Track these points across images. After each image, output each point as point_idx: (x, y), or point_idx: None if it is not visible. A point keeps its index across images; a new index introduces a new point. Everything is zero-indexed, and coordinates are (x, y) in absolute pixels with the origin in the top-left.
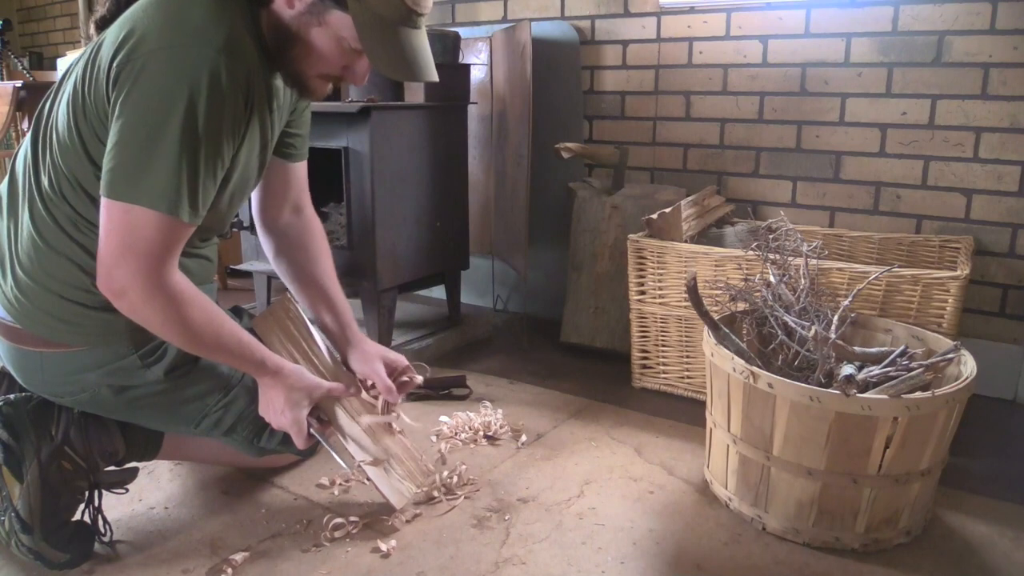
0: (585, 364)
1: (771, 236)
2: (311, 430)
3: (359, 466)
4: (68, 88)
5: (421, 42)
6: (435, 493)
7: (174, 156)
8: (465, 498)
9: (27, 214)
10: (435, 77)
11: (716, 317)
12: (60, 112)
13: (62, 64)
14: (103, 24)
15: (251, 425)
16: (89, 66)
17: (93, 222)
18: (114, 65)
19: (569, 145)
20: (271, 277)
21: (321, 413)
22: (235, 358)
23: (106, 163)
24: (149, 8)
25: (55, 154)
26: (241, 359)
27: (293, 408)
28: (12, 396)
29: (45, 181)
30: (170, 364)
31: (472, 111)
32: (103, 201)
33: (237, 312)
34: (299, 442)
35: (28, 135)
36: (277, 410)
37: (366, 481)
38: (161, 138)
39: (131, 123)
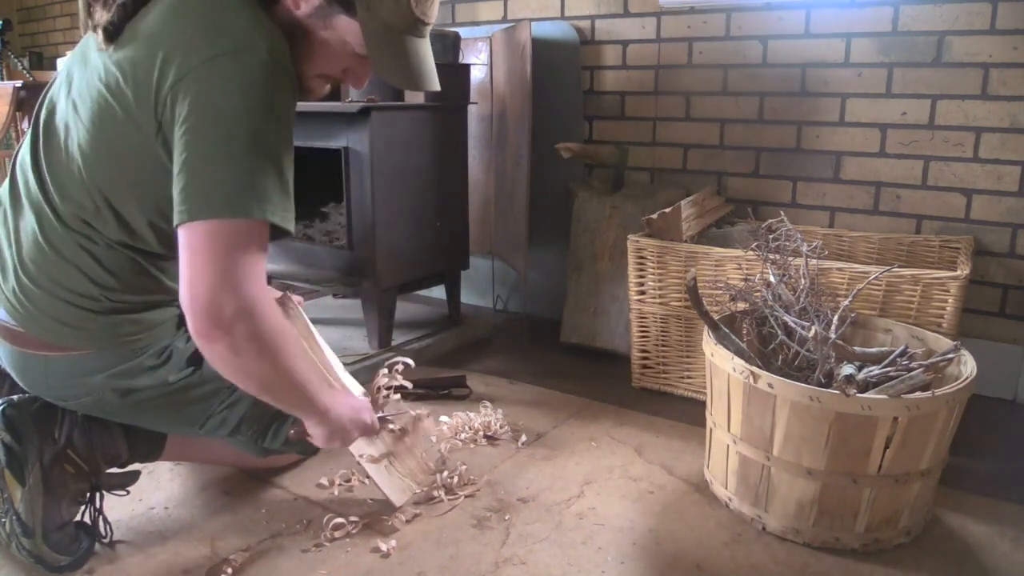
0: (585, 364)
1: (771, 236)
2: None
3: (358, 463)
4: (87, 108)
5: (425, 51)
6: (435, 493)
7: (262, 161)
8: (465, 498)
9: (33, 219)
10: (437, 86)
11: (716, 317)
12: (80, 127)
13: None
14: (113, 32)
15: (255, 425)
16: (122, 84)
17: (104, 234)
18: (164, 88)
19: (569, 145)
20: (270, 276)
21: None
22: (308, 403)
23: (180, 184)
24: (174, 23)
25: (87, 173)
26: (314, 401)
27: (339, 440)
28: (15, 398)
29: (54, 190)
30: (176, 366)
31: (472, 111)
32: (186, 229)
33: None
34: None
35: (27, 139)
36: (324, 441)
37: (366, 480)
38: (241, 144)
39: (202, 135)
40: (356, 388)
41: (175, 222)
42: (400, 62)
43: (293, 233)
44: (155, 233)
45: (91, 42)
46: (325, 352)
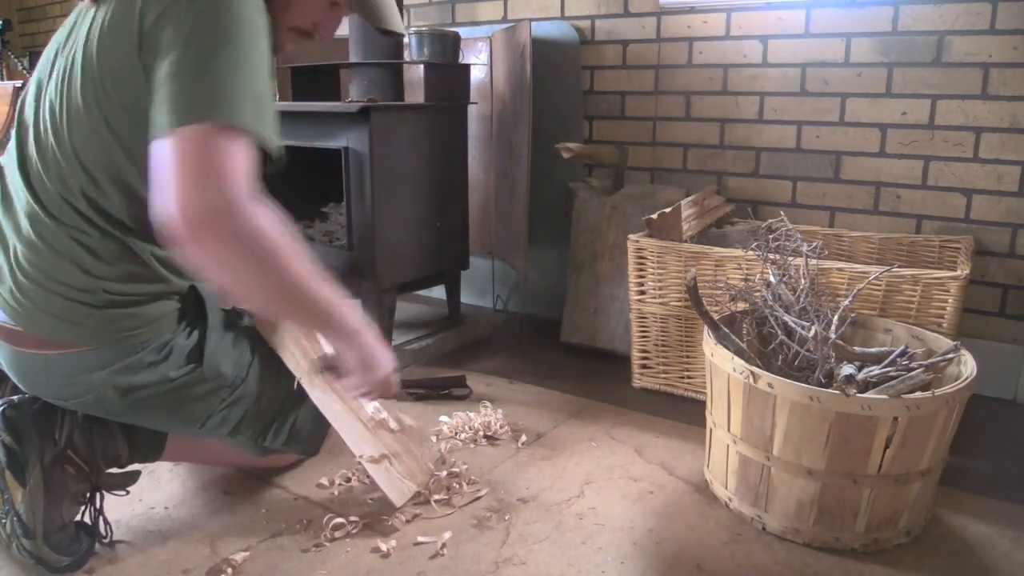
0: (585, 364)
1: (771, 236)
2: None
3: (359, 462)
4: (65, 76)
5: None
6: (435, 495)
7: (246, 73)
8: (467, 504)
9: (24, 217)
10: (403, 29)
11: (716, 317)
12: (66, 101)
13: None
14: None
15: (256, 424)
16: (102, 41)
17: (96, 223)
18: (146, 28)
19: (569, 145)
20: None
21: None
22: (327, 304)
23: (160, 96)
24: None
25: (63, 146)
26: (333, 302)
27: (386, 352)
28: (15, 399)
29: (42, 181)
30: (176, 363)
31: (472, 111)
32: (162, 139)
33: (238, 313)
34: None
35: (12, 140)
36: (383, 356)
37: (366, 480)
38: (233, 56)
39: (194, 53)
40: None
41: (149, 139)
42: (377, 4)
43: (275, 151)
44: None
45: (74, 16)
46: (326, 350)
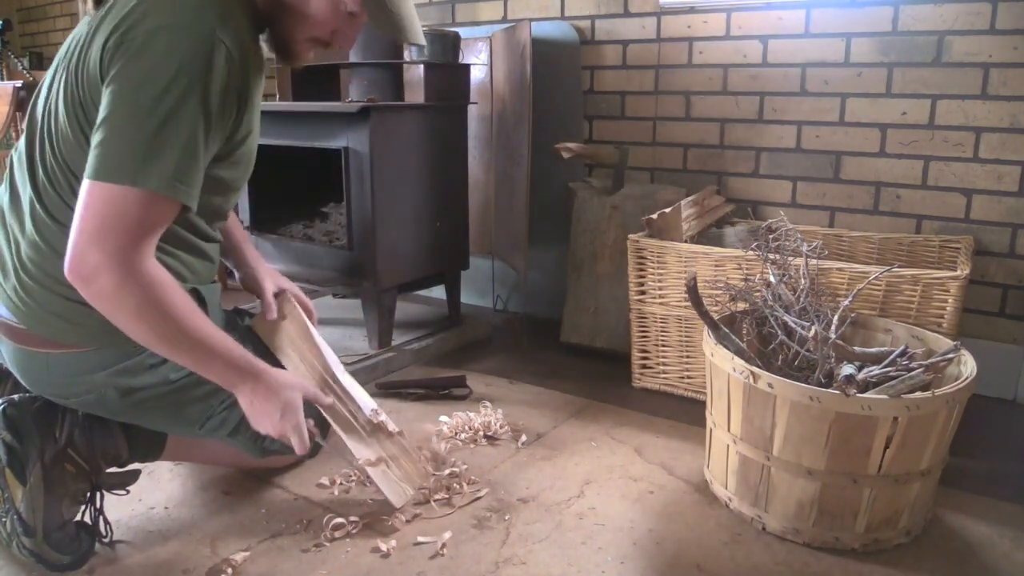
0: (585, 364)
1: (771, 236)
2: (313, 437)
3: (359, 466)
4: (61, 81)
5: (411, 5)
6: (436, 495)
7: (170, 135)
8: (467, 504)
9: (28, 217)
10: (423, 40)
11: (716, 317)
12: (59, 107)
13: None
14: None
15: None
16: (84, 52)
17: None
18: (109, 46)
19: (569, 145)
20: None
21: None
22: (215, 357)
23: (93, 142)
24: None
25: (57, 151)
26: (225, 358)
27: (290, 412)
28: (16, 397)
29: (45, 182)
30: (177, 365)
31: (472, 111)
32: (84, 182)
33: (239, 314)
34: (300, 448)
35: (23, 136)
36: (272, 415)
37: (367, 483)
38: (151, 116)
39: (121, 101)
40: (358, 390)
41: (85, 171)
42: (393, 13)
43: (192, 208)
44: None
45: (82, 25)
46: (325, 352)
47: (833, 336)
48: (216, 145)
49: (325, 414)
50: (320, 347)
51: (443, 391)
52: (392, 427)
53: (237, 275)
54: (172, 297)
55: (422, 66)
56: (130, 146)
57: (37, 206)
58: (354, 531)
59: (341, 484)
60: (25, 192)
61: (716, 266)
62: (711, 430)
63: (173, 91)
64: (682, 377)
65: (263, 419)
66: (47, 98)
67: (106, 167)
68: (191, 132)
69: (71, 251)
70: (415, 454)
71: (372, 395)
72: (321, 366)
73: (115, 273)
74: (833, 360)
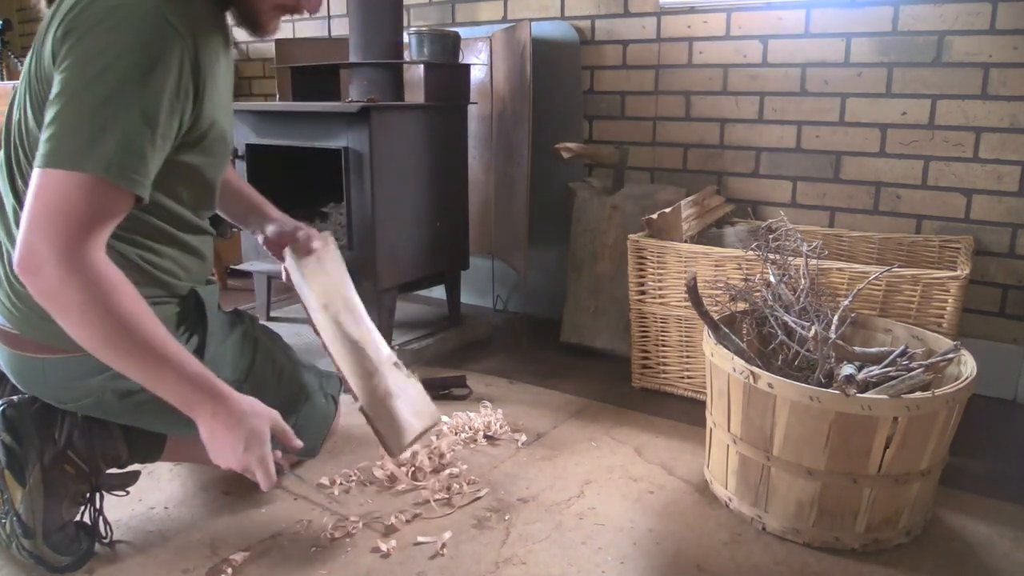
0: (585, 364)
1: (771, 236)
2: (281, 470)
3: (359, 409)
4: (25, 84)
5: None
6: (436, 495)
7: (112, 119)
8: (467, 504)
9: (13, 224)
10: None
11: (716, 317)
12: (27, 111)
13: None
14: None
15: None
16: (40, 50)
17: None
18: (58, 36)
19: (569, 145)
20: (271, 277)
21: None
22: (167, 368)
23: (43, 131)
24: None
25: (31, 156)
26: (179, 371)
27: (255, 443)
28: (15, 398)
29: (23, 189)
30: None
31: (472, 111)
32: (34, 171)
33: (239, 315)
34: (266, 483)
35: (1, 145)
36: (236, 447)
37: (367, 483)
38: (91, 97)
39: (66, 85)
40: (378, 335)
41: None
42: None
43: (144, 197)
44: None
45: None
46: (352, 290)
47: (833, 336)
48: (172, 131)
49: (328, 349)
50: (352, 294)
51: (443, 391)
52: (397, 362)
53: (264, 235)
54: (120, 296)
55: (422, 66)
56: (70, 130)
57: (20, 211)
58: (354, 531)
59: (341, 484)
60: (8, 200)
61: (716, 266)
62: (711, 430)
63: (113, 71)
64: (682, 377)
65: (224, 451)
66: (20, 104)
67: (50, 154)
68: (135, 115)
69: (19, 244)
70: (426, 394)
71: None
72: (348, 296)
73: (59, 266)
74: (833, 360)
